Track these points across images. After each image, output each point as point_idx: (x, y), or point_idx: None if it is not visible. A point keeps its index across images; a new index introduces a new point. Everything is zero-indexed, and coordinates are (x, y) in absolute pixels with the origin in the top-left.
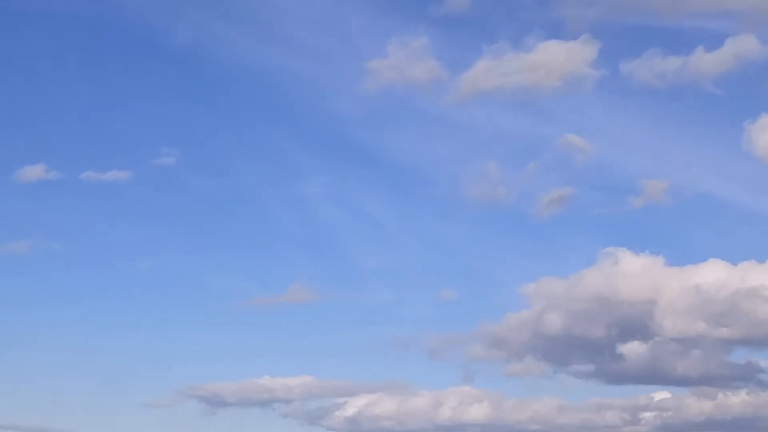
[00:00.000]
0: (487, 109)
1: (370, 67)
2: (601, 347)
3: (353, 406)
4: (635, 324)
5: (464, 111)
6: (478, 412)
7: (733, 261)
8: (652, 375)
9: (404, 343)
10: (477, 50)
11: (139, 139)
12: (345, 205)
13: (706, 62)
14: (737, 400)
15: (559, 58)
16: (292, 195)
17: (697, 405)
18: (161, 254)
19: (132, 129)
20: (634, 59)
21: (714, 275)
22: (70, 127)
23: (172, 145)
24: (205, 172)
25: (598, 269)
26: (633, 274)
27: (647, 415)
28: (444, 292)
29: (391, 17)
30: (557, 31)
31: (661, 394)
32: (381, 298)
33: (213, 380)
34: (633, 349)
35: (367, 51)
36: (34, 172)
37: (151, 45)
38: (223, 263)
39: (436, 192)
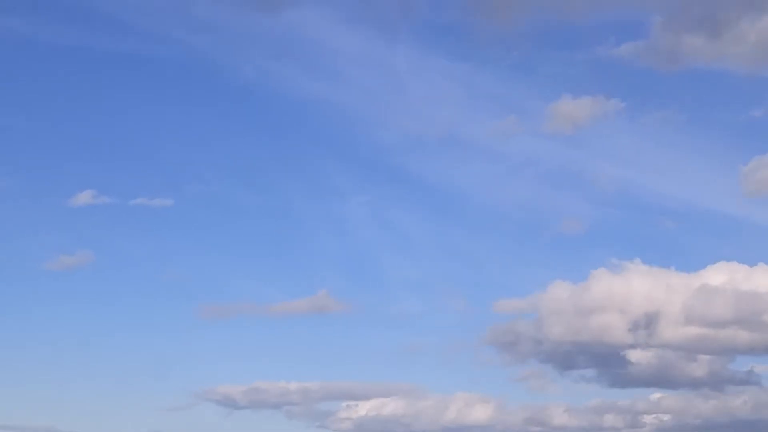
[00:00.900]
0: (519, 137)
1: (411, 100)
2: (606, 352)
3: (363, 409)
4: (640, 330)
5: (497, 140)
6: (482, 414)
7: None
8: (655, 379)
9: (421, 348)
10: (511, 95)
11: (195, 167)
12: (381, 223)
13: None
14: (737, 403)
15: (588, 109)
16: (332, 213)
17: (697, 408)
18: (193, 263)
19: (190, 159)
20: (654, 109)
21: (719, 280)
22: (133, 157)
23: (222, 169)
24: (252, 192)
25: (605, 276)
26: (640, 281)
27: (648, 417)
28: (463, 301)
29: (435, 57)
30: (587, 86)
31: (661, 397)
32: (406, 308)
33: (227, 383)
34: (637, 354)
35: (411, 86)
36: (85, 197)
37: (214, 81)
38: (258, 272)
39: (467, 211)
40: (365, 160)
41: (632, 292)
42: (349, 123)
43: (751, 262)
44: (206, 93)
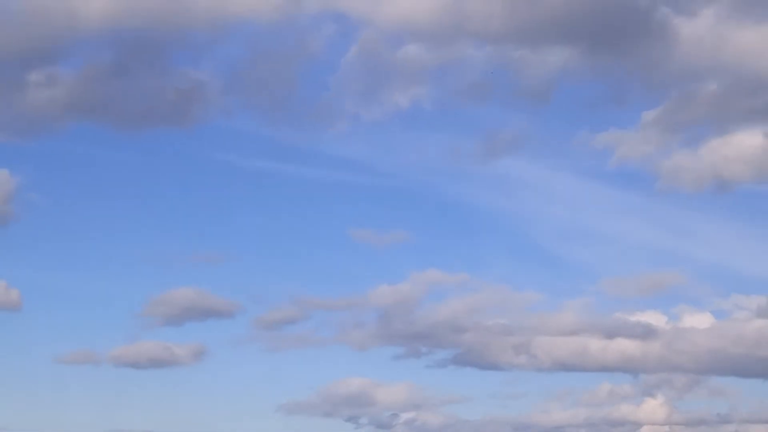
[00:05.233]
0: (631, 225)
1: (562, 208)
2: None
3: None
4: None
5: (619, 229)
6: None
7: None
8: None
9: None
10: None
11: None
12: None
13: None
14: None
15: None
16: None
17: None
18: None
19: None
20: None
21: None
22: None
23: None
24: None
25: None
26: None
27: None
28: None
29: (588, 181)
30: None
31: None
32: None
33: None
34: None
35: (564, 202)
36: None
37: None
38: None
39: (576, 277)
40: (509, 242)
41: None
42: (512, 224)
43: None
44: (415, 210)
